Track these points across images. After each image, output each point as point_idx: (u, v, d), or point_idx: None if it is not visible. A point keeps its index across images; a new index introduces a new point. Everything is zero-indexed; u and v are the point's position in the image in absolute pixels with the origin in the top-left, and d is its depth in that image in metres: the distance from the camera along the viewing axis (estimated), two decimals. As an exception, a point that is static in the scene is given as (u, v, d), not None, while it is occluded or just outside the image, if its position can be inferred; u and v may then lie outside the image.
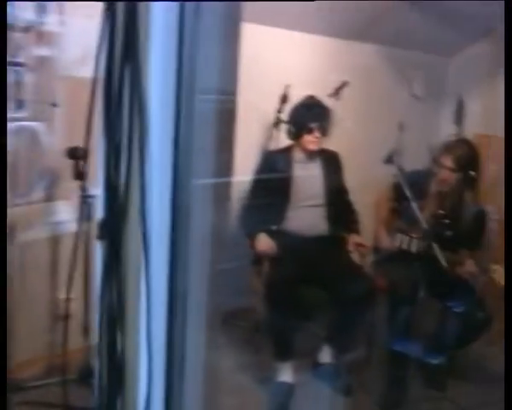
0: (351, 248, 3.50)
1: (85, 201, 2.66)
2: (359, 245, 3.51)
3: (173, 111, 1.07)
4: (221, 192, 1.21)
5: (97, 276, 1.21)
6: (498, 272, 3.06)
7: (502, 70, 4.60)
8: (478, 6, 4.00)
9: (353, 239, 3.52)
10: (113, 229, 1.11)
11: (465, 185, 3.30)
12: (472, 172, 3.22)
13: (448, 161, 3.26)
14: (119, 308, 1.13)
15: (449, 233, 3.29)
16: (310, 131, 3.39)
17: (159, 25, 0.98)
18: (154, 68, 1.02)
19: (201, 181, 1.14)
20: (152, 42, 0.99)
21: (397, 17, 4.09)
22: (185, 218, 1.13)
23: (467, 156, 3.26)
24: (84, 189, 2.62)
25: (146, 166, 1.04)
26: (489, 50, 4.73)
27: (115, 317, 1.14)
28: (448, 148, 3.33)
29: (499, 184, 4.05)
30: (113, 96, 1.06)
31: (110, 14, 1.05)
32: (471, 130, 4.66)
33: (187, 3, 1.06)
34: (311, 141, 3.41)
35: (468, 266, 3.17)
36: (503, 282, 3.02)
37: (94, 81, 1.15)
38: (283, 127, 3.57)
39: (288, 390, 3.20)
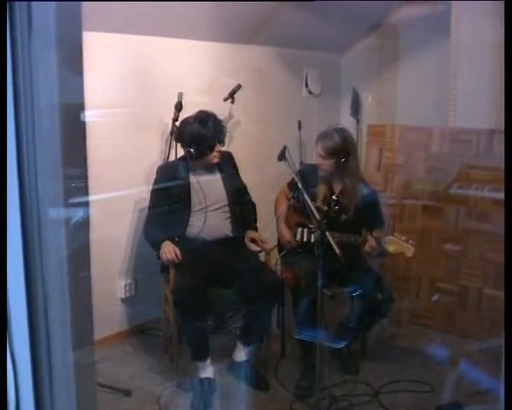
0: (247, 244, 3.60)
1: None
2: (255, 241, 3.60)
3: (13, 133, 1.10)
4: (76, 212, 1.24)
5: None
6: (390, 242, 3.23)
7: (393, 62, 4.82)
8: (364, 2, 4.18)
9: (249, 235, 3.62)
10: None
11: (341, 171, 3.46)
12: (342, 159, 3.39)
13: (319, 149, 3.42)
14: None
15: (343, 217, 3.44)
16: (212, 149, 3.43)
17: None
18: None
19: (52, 207, 1.17)
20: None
21: (286, 18, 4.21)
22: (38, 243, 1.16)
23: (336, 144, 3.40)
24: None
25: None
26: (378, 44, 4.94)
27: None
28: (320, 137, 3.48)
29: (395, 170, 4.27)
30: None
31: None
32: (367, 121, 4.85)
33: (17, 17, 1.09)
34: (214, 156, 3.46)
35: (370, 242, 3.31)
36: (393, 250, 3.24)
37: None
38: (181, 147, 3.53)
39: (210, 386, 3.28)
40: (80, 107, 1.28)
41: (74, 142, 1.25)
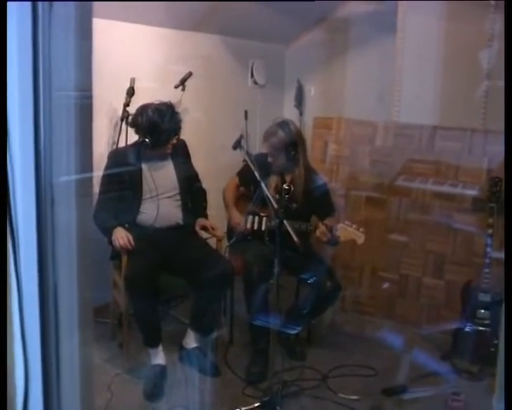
0: (198, 231, 3.62)
1: None
2: (206, 228, 3.63)
3: (32, 109, 1.09)
4: (83, 188, 1.25)
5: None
6: (341, 230, 3.32)
7: (338, 56, 4.89)
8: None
9: (200, 222, 3.64)
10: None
11: (292, 161, 3.54)
12: (292, 152, 3.50)
13: (267, 148, 3.54)
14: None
15: (294, 206, 3.51)
16: (168, 141, 3.42)
17: (13, 23, 1.00)
18: (9, 65, 1.04)
19: (63, 178, 1.17)
20: (8, 41, 1.01)
21: (233, 7, 4.22)
22: (50, 215, 1.16)
23: (283, 139, 3.49)
24: None
25: (8, 166, 1.06)
26: (324, 38, 5.01)
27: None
28: (265, 136, 3.56)
29: (340, 162, 4.37)
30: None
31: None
32: (310, 113, 4.93)
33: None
34: (168, 147, 3.45)
35: (321, 228, 3.36)
36: (344, 238, 3.32)
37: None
38: (136, 134, 3.49)
39: (162, 372, 3.29)
40: (89, 89, 1.28)
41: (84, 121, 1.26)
